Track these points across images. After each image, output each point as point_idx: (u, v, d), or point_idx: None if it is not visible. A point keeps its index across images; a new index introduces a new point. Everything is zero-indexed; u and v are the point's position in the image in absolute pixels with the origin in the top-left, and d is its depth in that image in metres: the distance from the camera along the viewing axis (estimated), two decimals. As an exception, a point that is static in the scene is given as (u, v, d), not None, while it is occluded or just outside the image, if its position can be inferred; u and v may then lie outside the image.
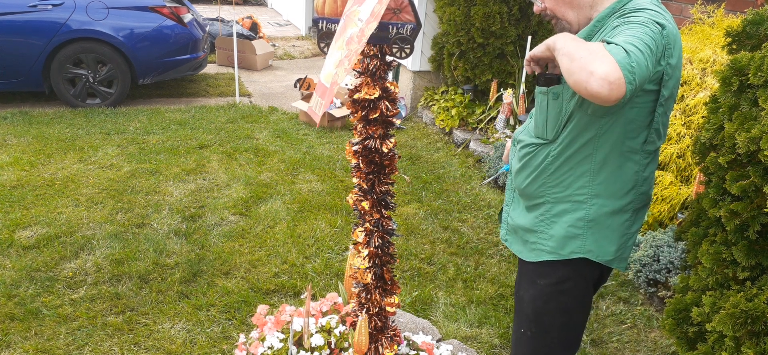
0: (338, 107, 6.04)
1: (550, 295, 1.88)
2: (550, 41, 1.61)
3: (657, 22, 1.59)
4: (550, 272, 1.86)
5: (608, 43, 1.52)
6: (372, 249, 1.96)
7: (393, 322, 2.17)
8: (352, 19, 1.57)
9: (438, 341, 2.60)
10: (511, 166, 1.99)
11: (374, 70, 1.84)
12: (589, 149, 1.76)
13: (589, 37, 1.73)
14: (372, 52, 1.84)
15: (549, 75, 1.77)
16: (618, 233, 1.83)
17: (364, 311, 2.05)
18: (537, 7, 1.88)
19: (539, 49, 1.67)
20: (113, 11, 5.86)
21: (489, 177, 2.17)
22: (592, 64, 1.45)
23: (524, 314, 1.94)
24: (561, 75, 1.69)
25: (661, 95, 1.69)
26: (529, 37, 4.95)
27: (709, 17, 4.09)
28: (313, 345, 2.18)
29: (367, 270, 1.97)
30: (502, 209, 2.13)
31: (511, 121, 5.10)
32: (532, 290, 1.90)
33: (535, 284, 1.89)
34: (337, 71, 1.52)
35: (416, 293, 3.21)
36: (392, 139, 1.87)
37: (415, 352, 2.28)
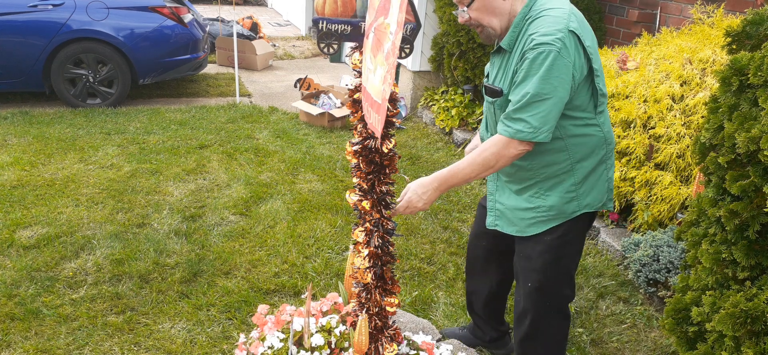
0: (338, 107, 6.04)
1: (557, 247, 2.13)
2: (421, 197, 2.01)
3: (562, 37, 1.85)
4: (555, 229, 2.12)
5: (513, 116, 1.89)
6: (372, 249, 1.96)
7: (393, 322, 2.17)
8: (385, 33, 1.59)
9: (438, 341, 2.60)
10: None
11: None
12: (556, 134, 1.99)
13: (512, 45, 1.98)
14: (372, 52, 1.84)
15: (494, 88, 2.01)
16: (602, 180, 2.13)
17: (364, 311, 2.05)
18: (462, 19, 2.09)
19: (401, 207, 2.02)
20: (113, 11, 5.86)
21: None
22: (508, 155, 1.92)
23: (532, 269, 2.17)
24: (501, 90, 2.00)
25: (594, 71, 1.96)
26: None
27: (708, 17, 4.09)
28: (313, 345, 2.18)
29: (367, 270, 1.98)
30: (482, 202, 2.41)
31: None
32: (540, 246, 2.14)
33: (542, 240, 2.13)
34: (384, 87, 1.57)
35: (416, 293, 3.21)
36: (392, 139, 1.88)
37: (415, 352, 2.28)
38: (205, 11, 10.69)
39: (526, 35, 1.91)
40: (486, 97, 2.10)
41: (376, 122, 1.69)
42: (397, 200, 2.01)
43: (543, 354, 2.32)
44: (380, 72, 1.62)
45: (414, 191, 2.00)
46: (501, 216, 2.23)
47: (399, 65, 6.53)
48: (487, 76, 2.17)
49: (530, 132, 1.87)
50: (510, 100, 1.94)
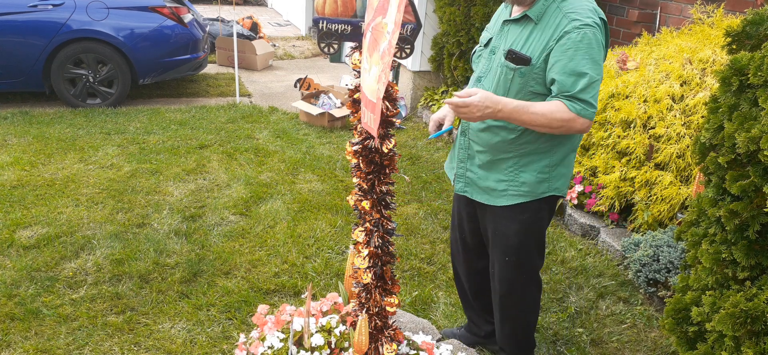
0: (338, 107, 6.04)
1: (530, 225, 2.30)
2: (487, 107, 1.98)
3: (599, 23, 2.01)
4: (527, 208, 2.26)
5: (563, 87, 1.98)
6: (372, 249, 1.96)
7: (393, 322, 2.17)
8: (382, 32, 1.59)
9: (438, 341, 2.60)
10: (471, 126, 2.28)
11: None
12: None
13: (539, 17, 2.06)
14: (372, 52, 1.84)
15: (521, 55, 2.05)
16: (569, 169, 2.27)
17: (364, 311, 2.05)
18: None
19: (460, 102, 1.99)
20: (113, 11, 5.86)
21: (433, 136, 2.40)
22: (578, 124, 1.99)
23: (508, 246, 2.33)
24: (531, 58, 2.05)
25: None
26: None
27: (708, 17, 4.09)
28: (313, 345, 2.18)
29: (367, 270, 1.97)
30: (448, 165, 2.51)
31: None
32: (515, 225, 2.29)
33: (517, 220, 2.28)
34: (379, 86, 1.58)
35: (416, 293, 3.21)
36: (392, 139, 1.88)
37: (415, 352, 2.28)
38: (205, 11, 10.69)
39: (561, 13, 2.02)
40: (504, 62, 2.11)
41: (371, 121, 1.69)
42: (460, 93, 2.02)
43: (516, 313, 2.51)
44: (375, 71, 1.62)
45: (481, 101, 1.98)
46: (471, 184, 2.35)
47: (399, 65, 6.53)
48: (487, 43, 2.25)
49: (592, 112, 1.99)
50: (535, 69, 2.05)
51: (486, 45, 2.27)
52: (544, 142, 2.17)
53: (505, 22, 2.19)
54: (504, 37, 2.17)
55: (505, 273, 2.40)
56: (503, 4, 2.30)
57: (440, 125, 2.50)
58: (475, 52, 2.35)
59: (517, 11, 2.15)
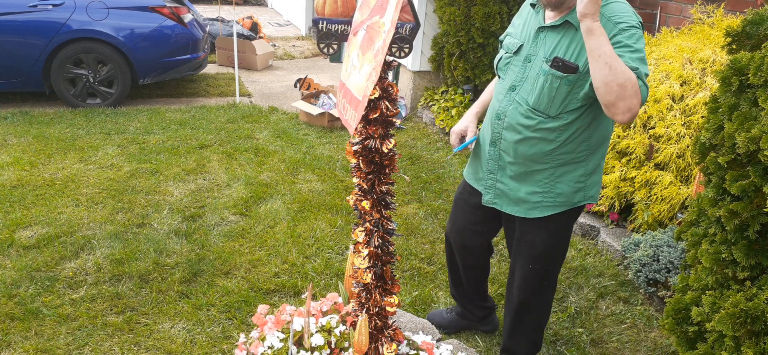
0: (338, 107, 6.04)
1: (559, 235, 2.28)
2: (589, 21, 1.82)
3: (642, 27, 1.97)
4: (558, 218, 2.22)
5: (636, 68, 1.85)
6: (372, 249, 1.96)
7: (393, 322, 2.17)
8: (378, 31, 1.59)
9: (438, 340, 2.60)
10: (504, 138, 2.21)
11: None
12: (587, 119, 2.06)
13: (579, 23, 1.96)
14: (372, 52, 1.84)
15: (568, 63, 1.99)
16: (601, 176, 2.25)
17: (364, 311, 2.05)
18: None
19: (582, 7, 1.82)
20: (113, 11, 5.86)
21: (457, 149, 2.39)
22: (631, 101, 1.81)
23: (535, 255, 2.29)
24: (578, 66, 1.97)
25: None
26: None
27: (709, 17, 4.09)
28: (313, 345, 2.18)
29: (367, 270, 1.98)
30: (474, 175, 2.45)
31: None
32: (543, 234, 2.25)
33: (546, 230, 2.24)
34: (367, 84, 1.57)
35: (416, 292, 3.21)
36: (392, 139, 1.87)
37: (415, 352, 2.28)
38: (205, 11, 10.69)
39: (604, 19, 1.94)
40: (550, 71, 2.02)
41: (351, 119, 1.69)
42: None
43: (532, 323, 2.50)
44: (366, 69, 1.61)
45: None
46: (502, 196, 2.28)
47: (399, 65, 6.53)
48: (517, 50, 2.15)
49: (646, 96, 1.89)
50: (581, 76, 1.98)
51: (516, 52, 2.18)
52: (580, 152, 2.12)
53: (541, 28, 2.10)
54: (541, 44, 2.09)
55: (527, 282, 2.36)
56: (528, 8, 2.22)
57: (463, 137, 2.45)
58: (501, 59, 2.25)
59: (552, 17, 2.07)
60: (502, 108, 2.19)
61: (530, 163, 2.16)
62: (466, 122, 2.46)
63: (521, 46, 2.16)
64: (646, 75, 1.89)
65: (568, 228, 2.30)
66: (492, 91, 2.49)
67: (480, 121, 2.49)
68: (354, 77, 1.71)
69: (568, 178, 2.15)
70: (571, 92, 2.01)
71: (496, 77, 2.37)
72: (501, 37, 2.33)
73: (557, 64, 2.01)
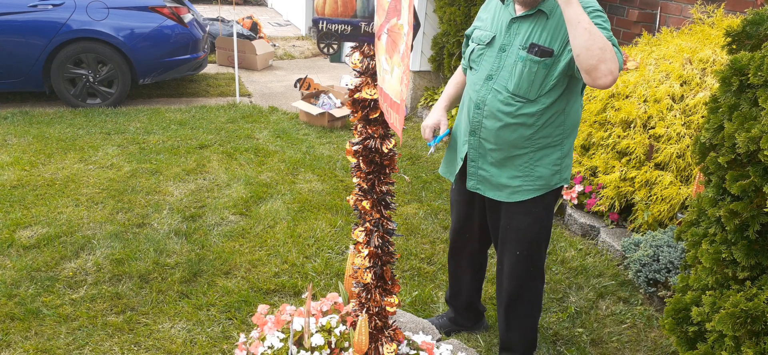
0: (338, 107, 6.04)
1: (543, 217, 2.37)
2: None
3: (604, 13, 2.09)
4: (540, 201, 2.33)
5: (610, 38, 1.96)
6: (372, 249, 1.96)
7: (393, 322, 2.17)
8: (399, 33, 1.60)
9: (438, 341, 2.60)
10: (484, 125, 2.30)
11: (374, 70, 1.84)
12: (562, 103, 2.19)
13: (551, 9, 2.12)
14: (372, 53, 1.84)
15: (545, 48, 2.13)
16: (571, 159, 2.35)
17: (364, 311, 2.05)
18: None
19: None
20: (113, 11, 5.86)
21: (432, 143, 2.45)
22: (611, 64, 1.91)
23: (521, 240, 2.39)
24: (553, 50, 2.11)
25: None
26: None
27: (708, 17, 4.09)
28: (313, 345, 2.19)
29: (367, 270, 1.98)
30: (448, 169, 2.58)
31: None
32: (528, 218, 2.35)
33: (531, 214, 2.34)
34: (402, 88, 1.60)
35: (416, 293, 3.21)
36: (392, 139, 1.88)
37: (415, 352, 2.28)
38: (205, 11, 10.69)
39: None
40: (528, 57, 2.14)
41: (396, 122, 1.71)
42: None
43: (525, 313, 2.55)
44: (397, 73, 1.63)
45: None
46: (483, 181, 2.38)
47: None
48: (491, 41, 2.26)
49: (621, 64, 2.00)
50: (557, 59, 2.11)
51: (489, 44, 2.27)
52: (556, 136, 2.24)
53: (514, 19, 2.21)
54: (514, 33, 2.20)
55: (517, 269, 2.45)
56: (495, 2, 2.33)
57: (436, 131, 2.53)
58: (473, 51, 2.34)
59: (522, 9, 2.19)
60: (481, 97, 2.28)
61: (511, 149, 2.26)
62: (437, 116, 2.58)
63: (494, 37, 2.26)
64: (615, 43, 2.01)
65: (550, 209, 2.40)
66: (456, 84, 2.64)
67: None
68: (388, 81, 1.73)
69: (546, 161, 2.27)
70: (547, 75, 2.14)
71: (462, 70, 2.53)
72: (467, 32, 2.44)
73: (534, 49, 2.14)
